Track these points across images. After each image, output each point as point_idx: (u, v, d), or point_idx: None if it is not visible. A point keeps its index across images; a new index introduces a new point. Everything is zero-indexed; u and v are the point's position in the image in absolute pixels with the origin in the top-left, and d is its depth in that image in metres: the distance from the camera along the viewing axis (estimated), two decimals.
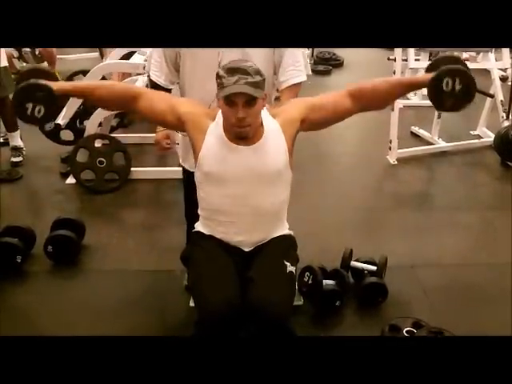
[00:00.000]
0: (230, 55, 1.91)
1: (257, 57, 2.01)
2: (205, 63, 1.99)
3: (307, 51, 6.02)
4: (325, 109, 1.90)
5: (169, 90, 2.21)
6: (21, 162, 3.83)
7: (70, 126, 3.78)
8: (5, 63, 3.67)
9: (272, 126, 1.85)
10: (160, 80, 2.17)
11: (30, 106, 1.71)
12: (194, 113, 1.86)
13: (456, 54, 4.01)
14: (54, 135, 3.91)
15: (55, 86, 1.77)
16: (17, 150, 3.86)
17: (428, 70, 1.93)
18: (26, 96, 1.73)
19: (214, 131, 1.83)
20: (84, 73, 3.94)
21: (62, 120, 3.62)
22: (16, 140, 3.87)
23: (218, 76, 1.71)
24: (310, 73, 2.33)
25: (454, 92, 1.78)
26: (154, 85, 2.18)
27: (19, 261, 2.62)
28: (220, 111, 1.81)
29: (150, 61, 2.25)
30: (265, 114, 1.85)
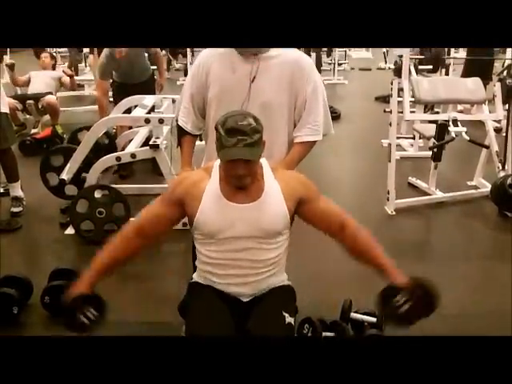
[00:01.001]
0: (252, 110, 1.96)
1: (277, 115, 2.10)
2: (228, 111, 2.03)
3: None
4: (315, 211, 1.89)
5: (195, 136, 2.30)
6: (21, 212, 3.84)
7: (74, 180, 3.73)
8: (6, 110, 3.69)
9: (272, 184, 1.85)
10: (186, 126, 2.26)
11: (80, 316, 1.80)
12: (188, 189, 1.85)
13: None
14: (58, 190, 3.89)
15: (82, 288, 1.84)
16: (17, 200, 3.87)
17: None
18: (72, 313, 1.81)
19: (211, 190, 1.83)
20: (87, 128, 3.95)
21: (66, 175, 3.63)
22: (17, 191, 3.89)
23: (217, 130, 1.73)
24: (332, 131, 2.34)
25: (396, 309, 1.81)
26: (180, 129, 2.29)
27: (15, 312, 2.58)
28: (214, 167, 1.85)
29: (178, 107, 2.34)
30: (266, 170, 1.87)
